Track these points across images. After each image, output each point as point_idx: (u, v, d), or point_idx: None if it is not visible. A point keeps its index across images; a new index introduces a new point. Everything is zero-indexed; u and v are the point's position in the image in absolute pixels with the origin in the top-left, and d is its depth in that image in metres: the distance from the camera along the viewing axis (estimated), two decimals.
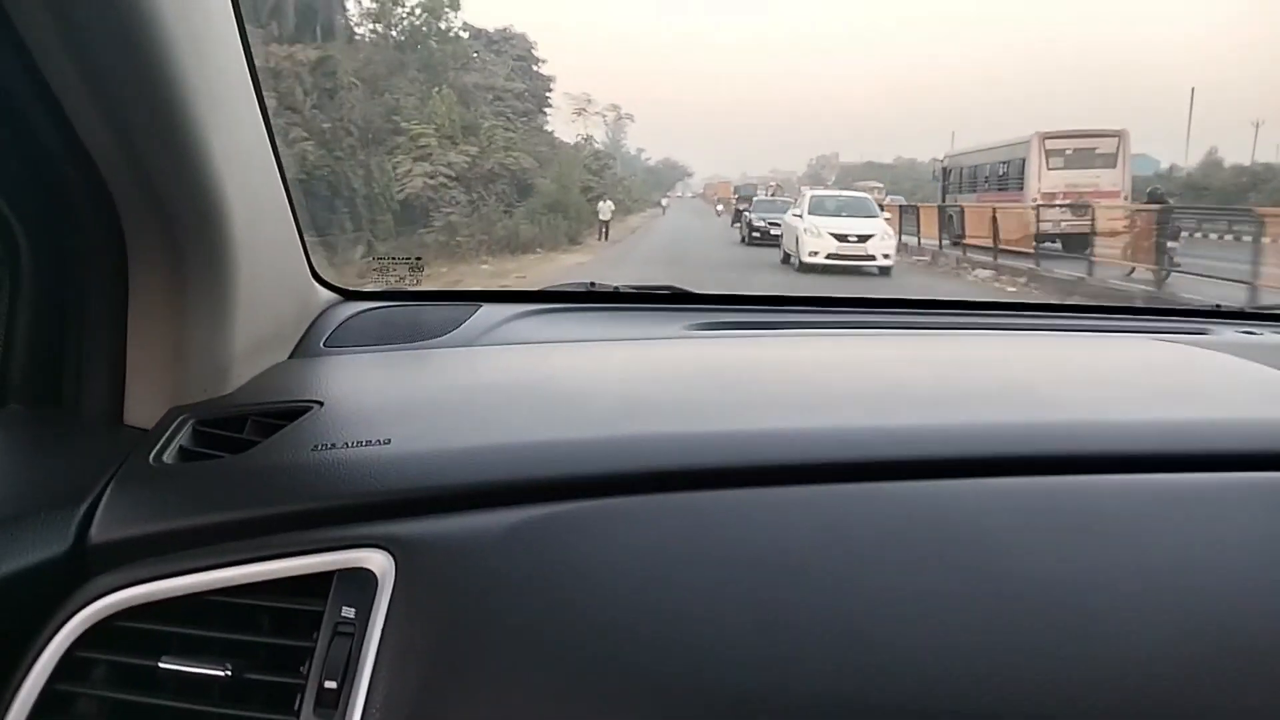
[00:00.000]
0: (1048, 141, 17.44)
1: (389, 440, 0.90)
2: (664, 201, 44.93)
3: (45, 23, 0.76)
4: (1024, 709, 0.66)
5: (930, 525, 0.79)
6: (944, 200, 20.77)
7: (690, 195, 66.99)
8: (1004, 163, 19.10)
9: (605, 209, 22.95)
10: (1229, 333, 1.59)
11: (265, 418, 0.99)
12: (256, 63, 1.06)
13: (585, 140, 32.11)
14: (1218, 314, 1.74)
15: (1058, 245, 14.49)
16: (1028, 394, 1.13)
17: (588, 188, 25.50)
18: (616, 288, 1.66)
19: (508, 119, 24.77)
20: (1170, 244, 11.56)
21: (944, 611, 0.71)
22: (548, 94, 30.01)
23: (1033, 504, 0.82)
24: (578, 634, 0.70)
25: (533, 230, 19.44)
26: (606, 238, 22.60)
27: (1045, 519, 0.80)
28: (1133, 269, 12.09)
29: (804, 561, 0.75)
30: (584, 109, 32.32)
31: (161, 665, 0.72)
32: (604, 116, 33.08)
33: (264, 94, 1.10)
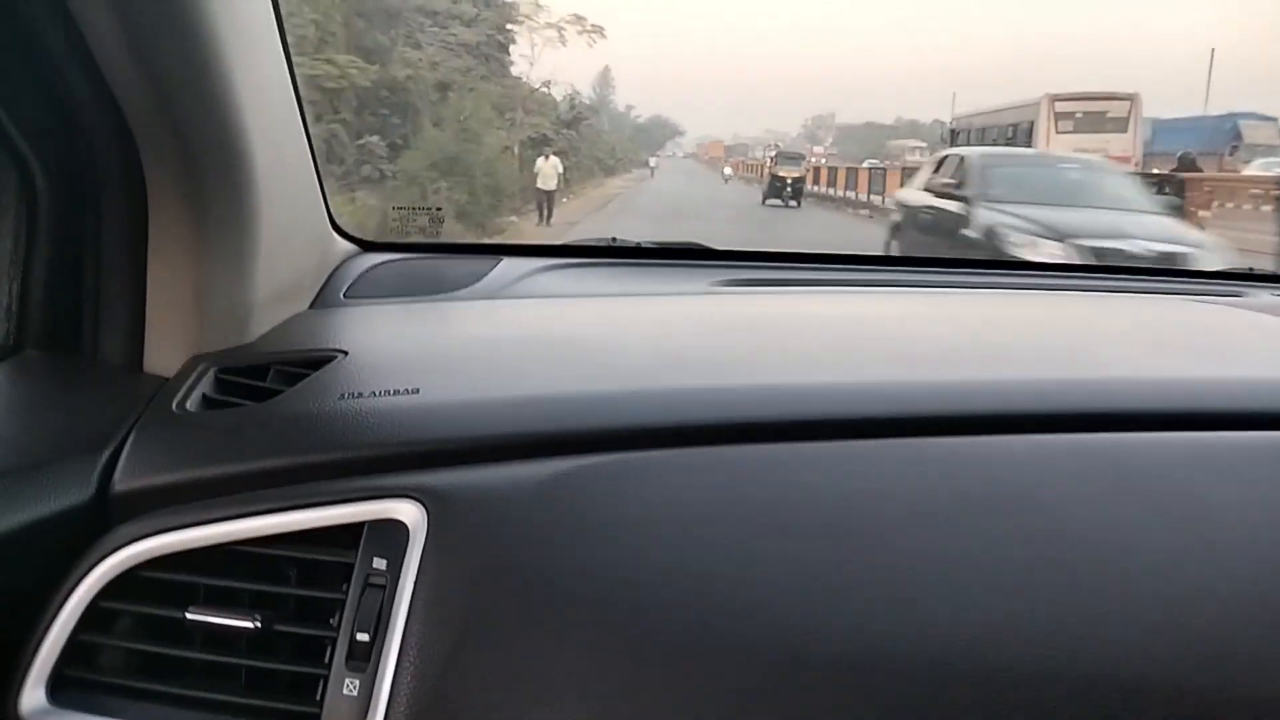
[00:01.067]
0: (1057, 104, 17.22)
1: (418, 390, 0.89)
2: (652, 162, 39.63)
3: None
4: (1062, 665, 0.65)
5: (967, 481, 0.78)
6: None
7: (682, 155, 64.92)
8: (1012, 125, 18.62)
9: (547, 171, 15.10)
10: (1265, 295, 1.57)
11: (289, 366, 0.97)
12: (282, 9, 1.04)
13: (545, 87, 23.93)
14: (1252, 277, 1.73)
15: None
16: (1065, 351, 1.12)
17: (542, 139, 19.81)
18: (639, 243, 1.64)
19: (450, 49, 18.82)
20: (1202, 213, 11.19)
21: (982, 568, 0.70)
22: (510, 27, 22.42)
23: (1072, 461, 0.81)
24: (610, 587, 0.69)
25: (410, 195, 12.26)
26: (549, 219, 15.01)
27: (1084, 476, 0.79)
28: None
29: (839, 517, 0.74)
30: (560, 28, 24.20)
31: (188, 616, 0.71)
32: (564, 32, 24.13)
33: (289, 41, 1.09)
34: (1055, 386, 0.94)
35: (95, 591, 0.72)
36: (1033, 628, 0.66)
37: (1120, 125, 17.00)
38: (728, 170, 35.66)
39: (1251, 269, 1.80)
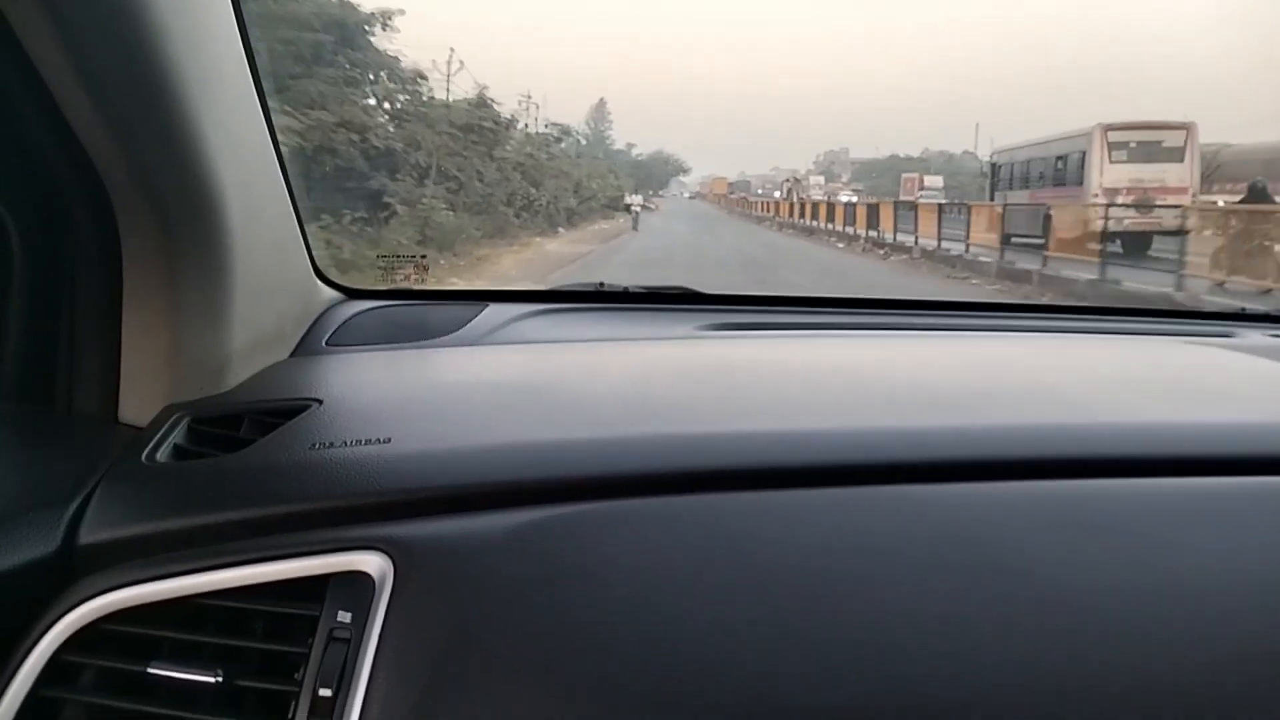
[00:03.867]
0: (1110, 133, 16.42)
1: (389, 439, 0.88)
2: (634, 204, 27.25)
3: (38, 16, 0.75)
4: (1043, 715, 0.64)
5: (949, 530, 0.76)
6: (992, 198, 19.66)
7: (688, 196, 61.52)
8: (1060, 157, 17.94)
9: None
10: (1255, 335, 1.55)
11: (263, 415, 0.97)
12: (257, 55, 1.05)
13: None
14: (1243, 317, 1.72)
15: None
16: (1050, 396, 1.10)
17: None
18: (626, 288, 1.64)
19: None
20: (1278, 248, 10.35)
21: (963, 618, 0.69)
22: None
23: (1057, 508, 0.79)
24: (580, 640, 0.68)
25: None
26: None
27: (1069, 523, 0.77)
28: (1223, 281, 10.46)
29: (815, 566, 0.73)
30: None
31: (151, 670, 0.71)
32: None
33: (264, 87, 1.09)
34: (1037, 432, 0.92)
35: (58, 645, 0.72)
36: (1015, 678, 0.65)
37: (1176, 155, 16.14)
38: (786, 209, 30.83)
39: (1244, 309, 1.80)
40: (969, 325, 1.63)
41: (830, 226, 24.24)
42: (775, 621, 0.68)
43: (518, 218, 18.41)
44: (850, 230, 22.15)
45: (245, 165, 1.02)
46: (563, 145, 27.79)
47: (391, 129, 15.16)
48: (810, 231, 25.80)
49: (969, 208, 17.44)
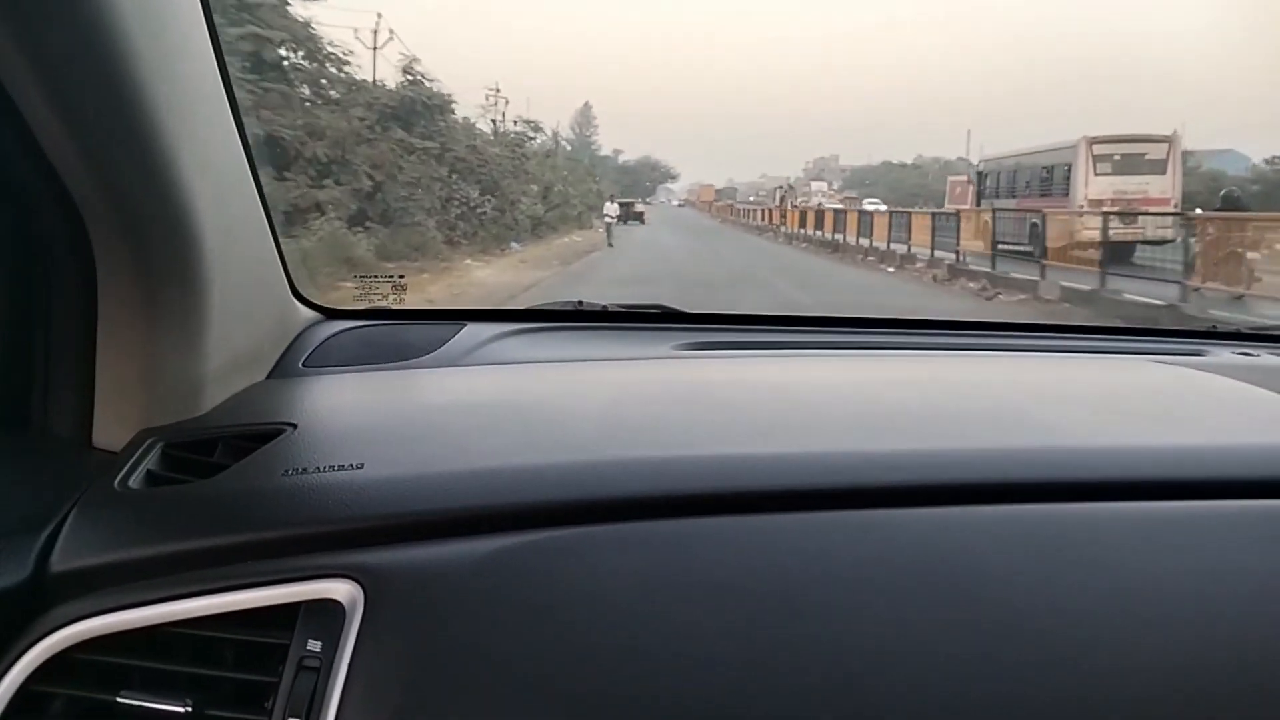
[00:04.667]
0: (1095, 146, 17.02)
1: (362, 464, 0.89)
2: (610, 214, 22.65)
3: (9, 40, 0.74)
4: None
5: (921, 554, 0.77)
6: (979, 205, 19.75)
7: (676, 203, 59.42)
8: (1047, 168, 18.39)
9: None
10: (1225, 354, 1.56)
11: (237, 440, 0.97)
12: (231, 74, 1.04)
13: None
14: (1214, 335, 1.73)
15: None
16: (1020, 418, 1.11)
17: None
18: (605, 306, 1.65)
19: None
20: (1250, 254, 10.72)
21: (934, 643, 0.70)
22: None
23: (1026, 532, 0.80)
24: (550, 665, 0.68)
25: None
26: None
27: (1039, 548, 0.78)
28: (1196, 288, 10.68)
29: (790, 591, 0.74)
30: None
31: (120, 700, 0.71)
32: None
33: (239, 106, 1.07)
34: (1010, 456, 0.93)
35: (27, 674, 0.72)
36: (986, 702, 0.66)
37: (1159, 167, 16.80)
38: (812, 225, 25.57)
39: (1214, 327, 1.80)
40: (945, 344, 1.65)
41: (863, 242, 20.11)
42: (748, 647, 0.69)
43: (452, 229, 14.79)
44: (895, 248, 17.96)
45: (220, 182, 1.02)
46: (536, 144, 23.35)
47: (284, 113, 11.71)
48: (834, 247, 21.89)
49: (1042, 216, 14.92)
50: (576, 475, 0.86)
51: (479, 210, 15.78)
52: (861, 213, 22.84)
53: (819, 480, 0.86)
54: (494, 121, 20.56)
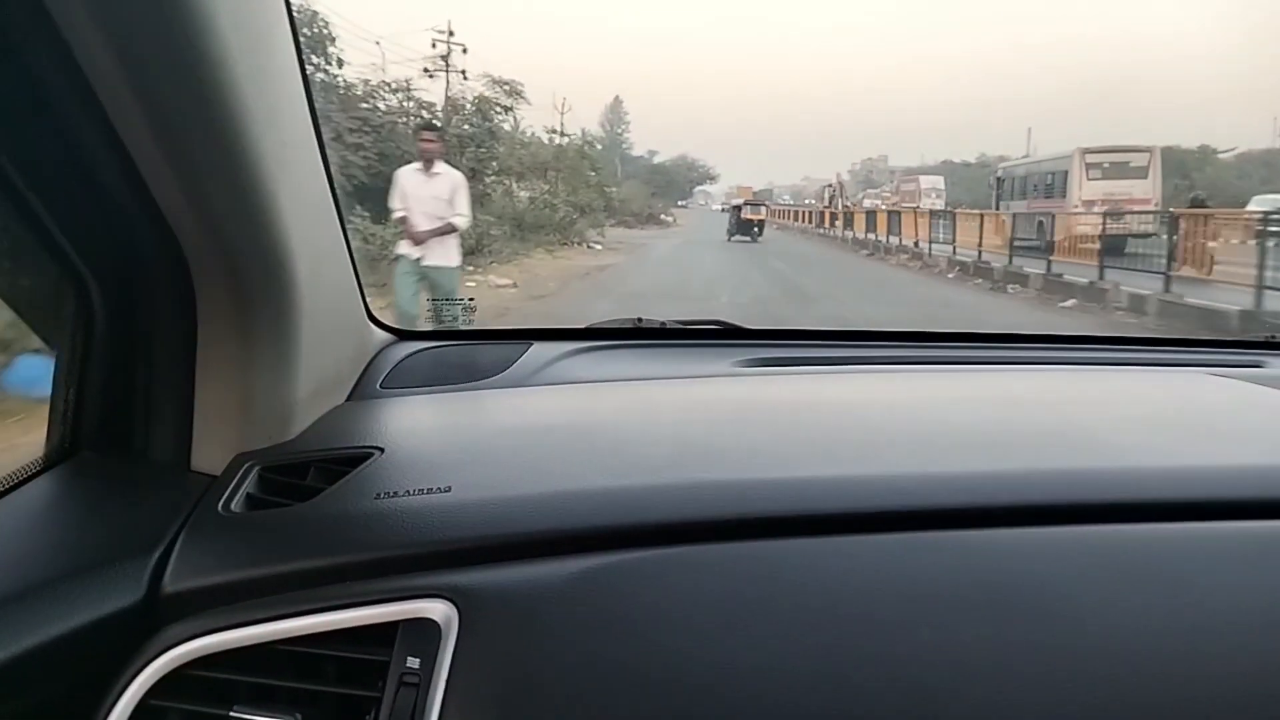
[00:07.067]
0: (1087, 156, 20.27)
1: (449, 488, 0.92)
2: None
3: (123, 87, 0.77)
4: None
5: (991, 575, 0.79)
6: (997, 207, 22.86)
7: (718, 207, 50.72)
8: (1049, 174, 21.85)
9: None
10: None
11: (328, 464, 1.01)
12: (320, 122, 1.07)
13: None
14: (1271, 345, 1.72)
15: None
16: (1085, 437, 1.13)
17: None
18: (664, 323, 1.68)
19: None
20: (1210, 244, 12.07)
21: (1011, 663, 0.72)
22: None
23: (1097, 553, 0.82)
24: (640, 684, 0.71)
25: None
26: None
27: (1111, 569, 0.80)
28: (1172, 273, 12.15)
29: (867, 612, 0.76)
30: None
31: (233, 715, 0.74)
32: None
33: (324, 140, 1.11)
34: (1069, 478, 0.95)
35: (145, 690, 0.75)
36: None
37: (1141, 173, 19.79)
38: None
39: (1272, 336, 1.75)
40: (1005, 359, 1.67)
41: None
42: (829, 666, 0.71)
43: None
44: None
45: (310, 213, 1.05)
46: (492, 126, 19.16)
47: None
48: (914, 255, 20.13)
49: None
50: (655, 498, 0.90)
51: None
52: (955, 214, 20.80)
53: (891, 502, 0.89)
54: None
